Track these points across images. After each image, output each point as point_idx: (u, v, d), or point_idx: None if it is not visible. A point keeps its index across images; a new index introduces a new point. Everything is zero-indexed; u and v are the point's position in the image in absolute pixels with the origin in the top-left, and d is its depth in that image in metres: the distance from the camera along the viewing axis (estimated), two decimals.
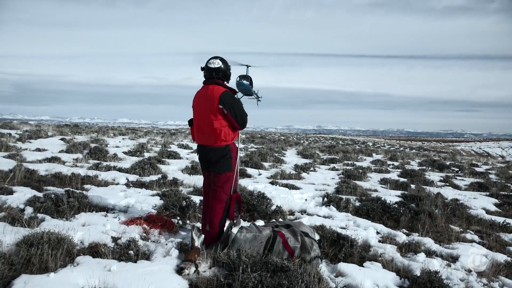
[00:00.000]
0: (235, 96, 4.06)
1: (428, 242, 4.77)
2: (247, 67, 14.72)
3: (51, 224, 4.01)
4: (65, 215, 4.62)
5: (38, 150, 10.45)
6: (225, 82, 4.08)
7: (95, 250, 3.58)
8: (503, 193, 8.89)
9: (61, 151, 10.54)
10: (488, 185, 9.87)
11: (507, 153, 63.86)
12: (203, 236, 3.73)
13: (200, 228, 3.98)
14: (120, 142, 15.42)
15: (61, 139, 13.78)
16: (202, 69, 4.05)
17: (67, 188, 5.58)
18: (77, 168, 7.93)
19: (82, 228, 4.11)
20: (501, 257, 4.35)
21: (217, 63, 3.94)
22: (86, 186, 6.44)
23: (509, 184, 10.63)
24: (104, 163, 8.90)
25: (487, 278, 3.80)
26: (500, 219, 6.10)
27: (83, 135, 16.99)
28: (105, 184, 6.90)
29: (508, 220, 6.03)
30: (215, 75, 3.95)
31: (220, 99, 3.76)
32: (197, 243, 3.60)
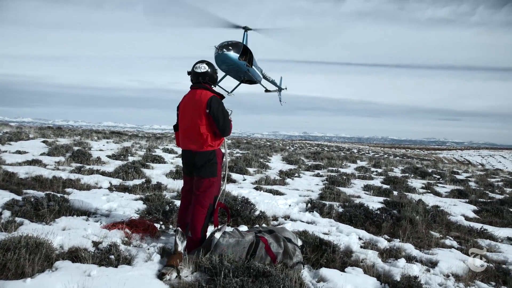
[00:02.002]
0: (222, 102, 4.04)
1: (409, 247, 4.84)
2: (245, 31, 12.66)
3: (29, 228, 3.92)
4: (45, 219, 4.54)
5: (19, 152, 10.23)
6: (213, 86, 4.09)
7: (75, 255, 3.52)
8: (482, 200, 9.11)
9: (42, 154, 10.33)
10: (468, 192, 10.10)
11: (487, 161, 65.44)
12: (186, 241, 3.70)
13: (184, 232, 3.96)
14: (104, 145, 15.21)
15: (43, 141, 13.52)
16: (189, 73, 4.05)
17: (47, 192, 5.48)
18: (59, 171, 7.80)
19: (62, 232, 4.03)
20: (478, 262, 4.44)
21: (204, 68, 3.94)
22: (67, 190, 6.33)
23: (487, 192, 10.88)
24: (87, 167, 8.77)
25: (464, 282, 3.89)
26: (478, 225, 6.24)
27: (66, 138, 16.70)
28: (88, 187, 6.80)
29: (486, 227, 6.18)
30: (202, 79, 3.96)
31: (208, 104, 3.77)
32: (180, 247, 3.58)
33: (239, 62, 12.93)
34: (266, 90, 17.13)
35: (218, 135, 3.94)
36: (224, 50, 12.49)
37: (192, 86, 4.00)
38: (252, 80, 15.22)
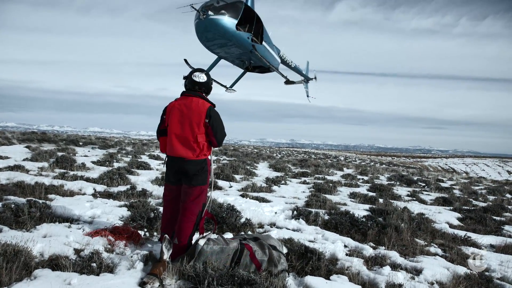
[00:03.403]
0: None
1: (394, 255, 4.86)
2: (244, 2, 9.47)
3: (8, 236, 3.82)
4: (25, 226, 4.42)
5: (0, 157, 10.00)
6: (206, 96, 4.09)
7: (55, 263, 3.43)
8: (465, 207, 9.24)
9: (25, 159, 10.14)
10: (452, 200, 10.23)
11: (471, 169, 66.62)
12: (171, 250, 3.64)
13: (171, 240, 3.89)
14: (89, 151, 15.01)
15: (26, 146, 13.28)
16: (185, 78, 4.04)
17: (29, 198, 5.35)
18: (42, 177, 7.65)
19: (42, 240, 3.94)
20: (462, 270, 4.49)
21: (203, 78, 3.96)
22: (50, 196, 6.20)
23: (471, 199, 11.05)
24: (71, 173, 8.62)
25: None
26: (462, 233, 6.32)
27: (50, 143, 16.42)
28: (71, 194, 6.67)
29: (469, 234, 6.26)
30: (198, 88, 3.96)
31: (207, 114, 3.79)
32: (166, 256, 3.51)
33: (239, 34, 8.87)
34: (288, 81, 12.68)
35: (215, 145, 3.96)
36: (211, 13, 8.25)
37: (186, 92, 3.98)
38: (263, 67, 11.20)
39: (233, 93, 12.17)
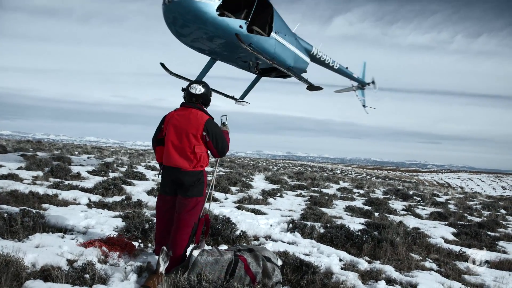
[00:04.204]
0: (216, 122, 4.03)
1: (389, 270, 4.84)
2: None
3: (1, 246, 3.78)
4: (18, 235, 4.38)
5: None
6: (205, 107, 4.11)
7: (47, 274, 3.40)
8: (460, 222, 9.25)
9: (19, 168, 10.07)
10: (447, 215, 10.24)
11: (466, 184, 66.83)
12: (168, 263, 3.59)
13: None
14: (84, 160, 14.94)
15: (21, 155, 13.19)
16: (183, 90, 4.11)
17: (22, 207, 5.31)
18: (36, 186, 7.59)
19: (35, 250, 3.90)
20: (457, 285, 4.48)
21: (199, 90, 3.99)
22: (44, 206, 6.15)
23: (466, 214, 11.06)
24: (66, 182, 8.56)
25: None
26: (457, 248, 6.31)
27: (45, 152, 16.35)
28: (65, 203, 6.62)
29: (464, 249, 6.26)
30: (195, 100, 4.00)
31: (205, 127, 3.81)
32: (162, 268, 3.47)
33: (222, 22, 6.80)
34: (311, 87, 9.62)
35: (216, 155, 3.97)
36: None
37: (185, 104, 4.02)
38: (277, 69, 8.74)
39: (246, 105, 10.01)
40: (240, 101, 10.04)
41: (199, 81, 4.13)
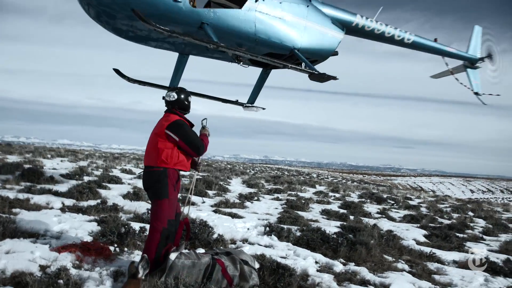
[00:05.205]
0: (186, 123, 4.04)
1: (364, 271, 4.97)
2: None
3: None
4: None
5: None
6: (184, 112, 4.16)
7: (18, 280, 3.32)
8: (432, 225, 9.57)
9: None
10: (419, 218, 10.57)
11: (437, 188, 69.03)
12: (148, 270, 3.54)
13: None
14: (58, 164, 14.57)
15: None
16: (163, 98, 4.23)
17: None
18: (6, 191, 7.36)
19: (5, 256, 3.80)
20: (427, 285, 4.66)
21: (173, 96, 4.08)
22: (15, 210, 5.97)
23: (436, 217, 11.45)
24: (38, 186, 8.33)
25: None
26: (427, 249, 6.54)
27: (15, 155, 15.82)
28: (38, 208, 6.45)
29: (434, 250, 6.49)
30: (171, 106, 4.10)
31: (170, 125, 3.85)
32: (141, 274, 3.43)
33: None
34: (314, 75, 6.27)
35: (192, 154, 3.98)
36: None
37: (165, 111, 4.15)
38: (276, 53, 6.60)
39: (259, 111, 8.20)
40: (249, 107, 8.03)
41: (175, 88, 4.24)
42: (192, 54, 7.23)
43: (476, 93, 9.39)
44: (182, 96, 4.12)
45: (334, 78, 6.26)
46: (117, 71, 7.59)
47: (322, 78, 6.19)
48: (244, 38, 6.08)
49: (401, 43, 8.03)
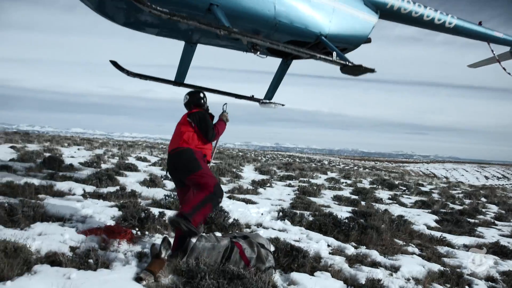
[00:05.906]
0: (204, 113, 4.34)
1: (374, 254, 5.15)
2: None
3: (4, 234, 3.94)
4: (20, 225, 4.53)
5: None
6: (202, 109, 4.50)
7: (52, 259, 3.58)
8: (443, 210, 9.67)
9: (11, 160, 10.11)
10: (431, 203, 10.66)
11: (451, 174, 68.37)
12: (170, 251, 3.80)
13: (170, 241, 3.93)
14: (75, 152, 14.97)
15: (11, 147, 13.17)
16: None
17: (20, 198, 5.45)
18: (30, 178, 7.69)
19: (38, 238, 4.07)
20: (436, 267, 4.82)
21: (185, 99, 4.54)
22: (40, 196, 6.28)
23: (448, 203, 11.52)
24: (60, 173, 8.66)
25: (422, 285, 4.22)
26: (438, 234, 6.68)
27: (35, 144, 16.29)
28: (61, 194, 6.76)
29: (445, 235, 6.63)
30: (188, 107, 4.51)
31: (190, 114, 4.28)
32: (164, 255, 3.70)
33: None
34: (347, 68, 5.15)
35: (204, 139, 4.21)
36: None
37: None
38: (300, 41, 5.83)
39: (278, 108, 7.49)
40: (266, 103, 7.31)
41: (190, 91, 4.67)
42: (201, 42, 6.41)
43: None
44: (194, 97, 4.53)
45: (372, 70, 5.23)
46: (114, 63, 6.70)
47: (358, 70, 5.18)
48: (262, 23, 5.18)
49: (441, 27, 7.18)
